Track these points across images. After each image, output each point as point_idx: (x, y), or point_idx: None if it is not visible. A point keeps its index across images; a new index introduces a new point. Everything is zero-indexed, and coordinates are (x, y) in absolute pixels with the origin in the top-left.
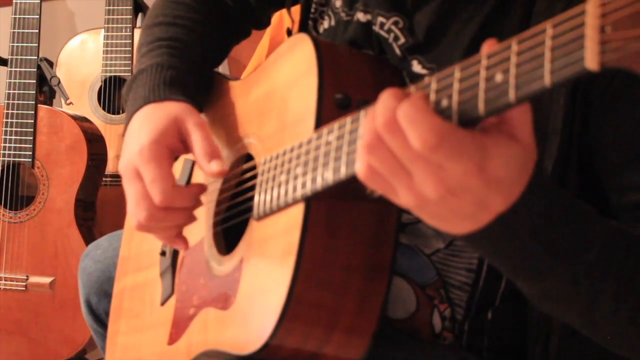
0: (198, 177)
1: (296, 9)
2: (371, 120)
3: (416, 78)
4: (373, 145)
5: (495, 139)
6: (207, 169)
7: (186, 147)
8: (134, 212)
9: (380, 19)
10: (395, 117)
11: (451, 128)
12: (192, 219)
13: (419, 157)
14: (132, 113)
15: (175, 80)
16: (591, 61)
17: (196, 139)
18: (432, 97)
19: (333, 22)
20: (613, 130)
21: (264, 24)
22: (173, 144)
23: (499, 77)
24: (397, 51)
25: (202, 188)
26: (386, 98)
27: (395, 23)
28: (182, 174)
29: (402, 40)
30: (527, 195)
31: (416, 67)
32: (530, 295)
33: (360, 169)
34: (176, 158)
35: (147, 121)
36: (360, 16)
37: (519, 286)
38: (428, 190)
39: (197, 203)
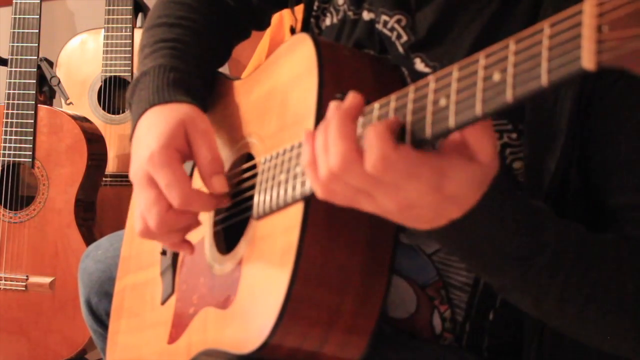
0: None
1: (299, 8)
2: (324, 157)
3: (419, 76)
4: (330, 183)
5: (452, 161)
6: (209, 186)
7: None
8: (145, 217)
9: (384, 17)
10: (347, 155)
11: (404, 152)
12: (197, 223)
13: (377, 182)
14: (138, 116)
15: (178, 81)
16: (588, 61)
17: (201, 149)
18: (431, 96)
19: (335, 20)
20: (615, 129)
21: (264, 24)
22: (182, 147)
23: (496, 77)
24: (400, 49)
25: (225, 200)
26: (335, 138)
27: (398, 21)
28: None
29: (404, 38)
30: (480, 206)
31: (419, 65)
32: (491, 284)
33: (320, 196)
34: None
35: (154, 125)
36: (365, 14)
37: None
38: (389, 206)
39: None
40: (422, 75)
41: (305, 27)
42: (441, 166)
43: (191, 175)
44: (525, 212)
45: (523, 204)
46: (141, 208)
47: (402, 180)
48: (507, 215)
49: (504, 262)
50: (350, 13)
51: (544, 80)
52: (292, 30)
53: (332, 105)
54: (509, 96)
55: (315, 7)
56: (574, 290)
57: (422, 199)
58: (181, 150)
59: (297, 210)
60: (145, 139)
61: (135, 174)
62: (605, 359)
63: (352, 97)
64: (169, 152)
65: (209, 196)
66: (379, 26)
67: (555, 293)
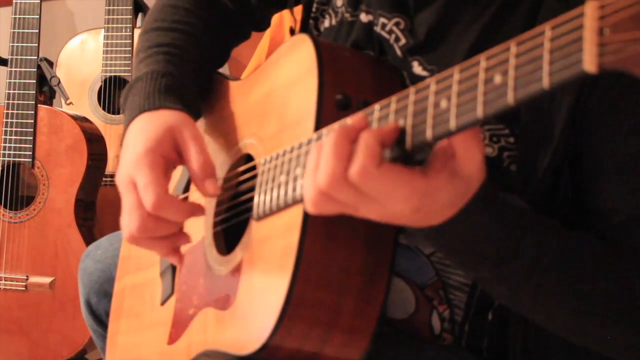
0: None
1: (298, 9)
2: (313, 175)
3: (416, 79)
4: (319, 201)
5: (436, 182)
6: (201, 189)
7: (181, 158)
8: (127, 222)
9: (382, 20)
10: (335, 174)
11: (385, 171)
12: (184, 237)
13: (361, 196)
14: (129, 122)
15: (171, 88)
16: (589, 63)
17: (192, 153)
18: (432, 99)
19: (334, 21)
20: (610, 133)
21: (263, 25)
22: (168, 153)
23: (497, 79)
24: (398, 52)
25: (199, 210)
26: (327, 156)
27: (397, 24)
28: (180, 179)
29: (403, 41)
30: (458, 216)
31: (416, 68)
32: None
33: (310, 212)
34: (173, 168)
35: (142, 130)
36: (363, 17)
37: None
38: (372, 217)
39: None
40: (420, 78)
41: (304, 29)
42: (424, 188)
43: (186, 189)
44: (506, 219)
45: (505, 210)
46: (124, 212)
47: (383, 197)
48: (486, 223)
49: (479, 261)
50: (347, 15)
51: (546, 82)
52: (292, 32)
53: (336, 124)
54: (510, 99)
55: (314, 9)
56: (546, 294)
57: (403, 214)
58: (167, 157)
59: (297, 211)
60: (132, 144)
61: (120, 179)
62: (591, 356)
63: (358, 118)
64: (153, 156)
65: (183, 205)
66: (377, 29)
67: (528, 294)
